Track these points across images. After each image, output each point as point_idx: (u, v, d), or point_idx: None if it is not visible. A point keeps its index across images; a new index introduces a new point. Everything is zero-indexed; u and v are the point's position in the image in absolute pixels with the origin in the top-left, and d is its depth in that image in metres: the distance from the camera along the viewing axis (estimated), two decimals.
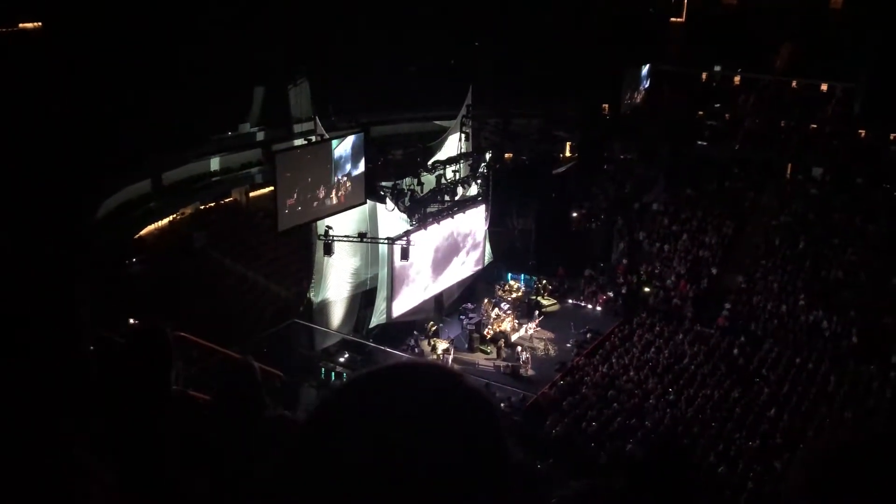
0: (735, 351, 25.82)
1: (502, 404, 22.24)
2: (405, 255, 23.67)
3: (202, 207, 30.21)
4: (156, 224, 28.16)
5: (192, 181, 30.44)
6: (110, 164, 25.43)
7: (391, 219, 24.09)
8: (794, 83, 38.66)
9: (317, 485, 1.11)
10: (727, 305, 28.20)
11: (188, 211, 29.50)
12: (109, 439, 2.50)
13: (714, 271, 30.31)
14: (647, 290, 29.93)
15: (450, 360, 24.63)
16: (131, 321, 18.03)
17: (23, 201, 19.43)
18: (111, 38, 26.83)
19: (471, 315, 27.39)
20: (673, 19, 41.46)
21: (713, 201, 33.61)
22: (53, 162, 21.69)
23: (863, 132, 35.35)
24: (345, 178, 22.67)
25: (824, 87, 38.09)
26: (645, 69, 38.72)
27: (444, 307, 28.63)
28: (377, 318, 25.44)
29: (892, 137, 34.86)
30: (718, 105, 38.88)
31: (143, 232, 27.53)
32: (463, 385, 1.21)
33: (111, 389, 2.72)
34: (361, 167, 23.06)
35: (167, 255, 26.22)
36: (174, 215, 28.90)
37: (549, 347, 26.51)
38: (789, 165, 35.35)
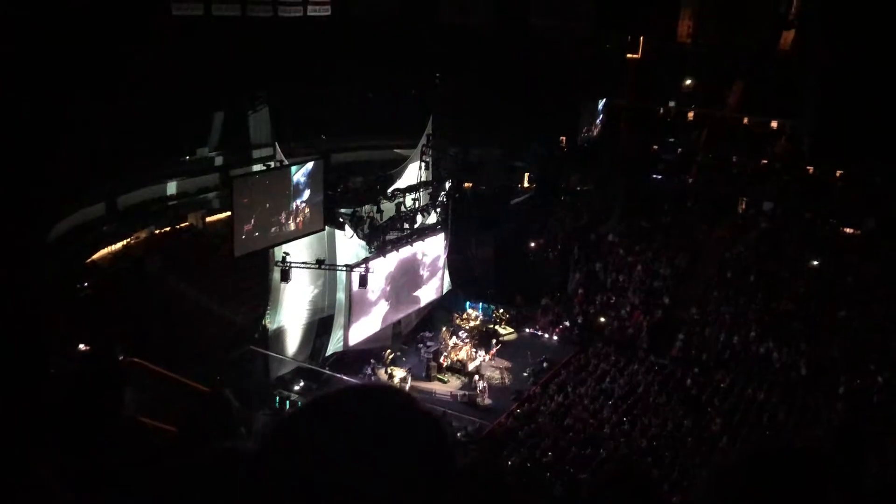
0: (688, 381, 26.11)
1: (458, 434, 22.12)
2: (363, 282, 23.57)
3: (157, 232, 29.73)
4: (109, 248, 27.62)
5: (148, 205, 29.98)
6: (64, 185, 24.94)
7: (350, 246, 24.02)
8: (745, 120, 39.74)
9: None
10: (680, 336, 28.56)
11: (143, 235, 29.01)
12: (64, 463, 2.44)
13: (667, 302, 30.70)
14: (602, 320, 30.18)
15: (407, 389, 24.46)
16: (81, 346, 17.58)
17: None
18: (69, 54, 26.46)
19: (429, 343, 27.32)
20: (629, 55, 42.40)
21: (667, 233, 34.16)
22: (4, 181, 21.19)
23: (811, 168, 36.41)
24: (303, 205, 22.56)
25: (774, 124, 39.23)
26: (601, 103, 39.45)
27: (402, 335, 28.50)
28: (334, 346, 25.22)
29: (838, 174, 35.96)
30: (673, 140, 39.72)
31: (95, 256, 26.97)
32: (411, 406, 1.22)
33: (62, 414, 2.66)
34: (320, 194, 22.98)
35: (120, 280, 25.70)
36: (128, 239, 28.39)
37: (506, 376, 26.52)
38: (741, 199, 36.20)
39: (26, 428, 2.50)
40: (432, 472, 1.15)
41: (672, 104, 41.24)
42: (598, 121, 39.35)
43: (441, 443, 1.20)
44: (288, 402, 23.56)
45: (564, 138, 39.71)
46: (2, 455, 2.28)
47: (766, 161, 37.58)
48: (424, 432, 1.19)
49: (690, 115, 40.92)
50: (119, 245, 28.01)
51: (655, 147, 39.38)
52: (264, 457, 1.17)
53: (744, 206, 36.10)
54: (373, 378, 24.82)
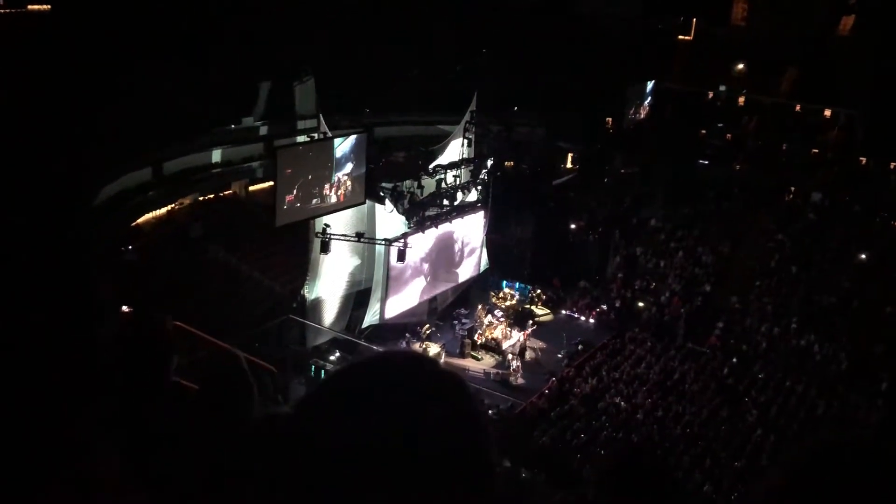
0: (725, 371, 25.84)
1: (490, 411, 22.21)
2: (401, 256, 23.67)
3: (201, 199, 30.18)
4: (153, 213, 28.13)
5: (193, 172, 30.40)
6: (112, 150, 25.40)
7: (389, 220, 24.10)
8: (797, 107, 38.80)
9: (303, 475, 1.14)
10: (720, 325, 28.23)
11: (187, 201, 29.47)
12: (111, 428, 2.50)
13: (708, 290, 30.33)
14: (640, 305, 29.95)
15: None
16: (124, 308, 17.99)
17: (26, 183, 19.40)
18: (120, 22, 26.82)
19: (464, 321, 27.39)
20: (681, 37, 41.58)
21: (711, 220, 33.66)
22: (55, 146, 21.66)
23: (864, 160, 35.47)
24: (345, 177, 22.66)
25: (827, 112, 38.23)
26: (650, 85, 38.82)
27: (437, 311, 28.61)
28: (370, 319, 25.42)
29: (892, 166, 34.98)
30: (721, 125, 38.98)
31: (140, 220, 27.49)
32: (440, 371, 1.24)
33: (109, 377, 2.72)
34: (362, 167, 23.05)
35: (163, 245, 26.19)
36: (172, 205, 28.87)
37: (540, 357, 26.52)
38: (789, 189, 35.46)
39: (75, 390, 2.57)
40: (460, 444, 1.16)
41: (722, 89, 40.43)
42: (645, 103, 38.74)
43: (470, 412, 1.21)
44: (323, 371, 23.85)
45: (610, 120, 39.20)
46: (50, 414, 2.34)
47: (817, 150, 36.70)
48: (452, 401, 1.20)
49: (741, 100, 40.07)
50: (163, 210, 28.50)
51: (703, 132, 38.70)
52: (296, 421, 1.20)
53: (791, 196, 35.35)
54: None
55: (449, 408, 1.18)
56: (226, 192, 31.47)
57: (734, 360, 26.50)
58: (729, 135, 38.37)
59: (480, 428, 1.21)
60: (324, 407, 1.19)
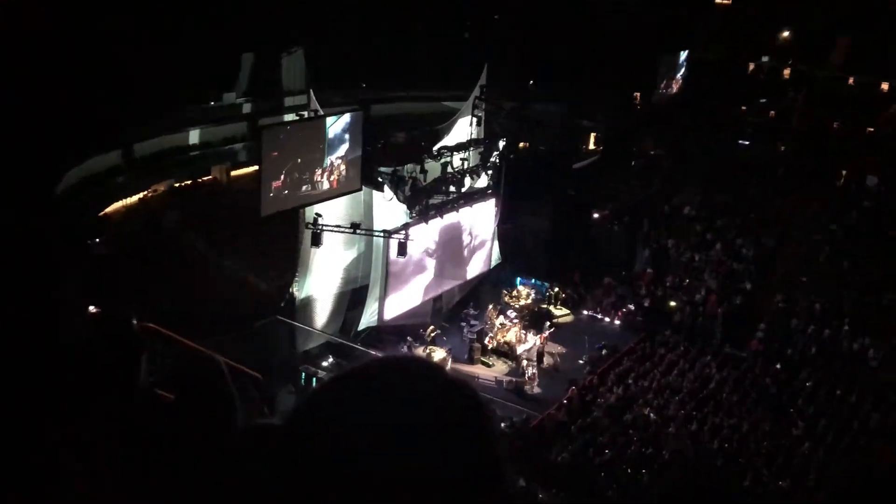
0: (768, 378, 25.81)
1: (503, 424, 22.24)
2: (402, 250, 23.68)
3: (177, 185, 30.22)
4: (124, 201, 28.19)
5: (168, 155, 30.45)
6: (76, 130, 25.44)
7: (389, 209, 24.09)
8: (850, 80, 38.62)
9: (292, 497, 1.15)
10: (762, 327, 28.18)
11: (161, 188, 29.52)
12: (75, 444, 2.51)
13: (749, 287, 30.28)
14: (672, 304, 29.92)
15: None
16: (92, 308, 18.05)
17: None
18: None
19: (473, 322, 27.42)
20: (718, 1, 41.42)
21: (752, 208, 33.57)
22: (12, 126, 21.70)
23: None
24: (339, 161, 22.66)
25: (884, 86, 38.05)
26: (683, 56, 38.68)
27: (443, 312, 28.64)
28: (367, 320, 25.45)
29: None
30: (764, 100, 38.84)
31: (109, 209, 27.55)
32: (446, 378, 1.25)
33: (73, 385, 2.73)
34: (358, 150, 23.04)
35: (134, 237, 26.24)
36: (145, 192, 28.92)
37: (559, 363, 26.53)
38: (841, 172, 35.32)
39: (37, 399, 2.58)
40: (469, 459, 1.17)
41: (765, 60, 40.26)
42: (678, 76, 38.62)
43: (481, 424, 1.22)
44: (314, 379, 23.90)
45: (638, 95, 39.09)
46: (12, 425, 2.35)
47: (872, 129, 36.53)
48: (461, 411, 1.21)
49: (786, 72, 39.90)
50: (135, 198, 28.56)
51: (743, 108, 38.56)
52: (285, 436, 1.21)
53: (843, 181, 35.22)
54: None
55: (458, 420, 1.19)
56: (204, 178, 31.50)
57: (778, 366, 26.46)
58: (773, 111, 38.22)
59: (494, 443, 1.22)
60: (317, 420, 1.20)
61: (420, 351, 25.56)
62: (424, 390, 1.21)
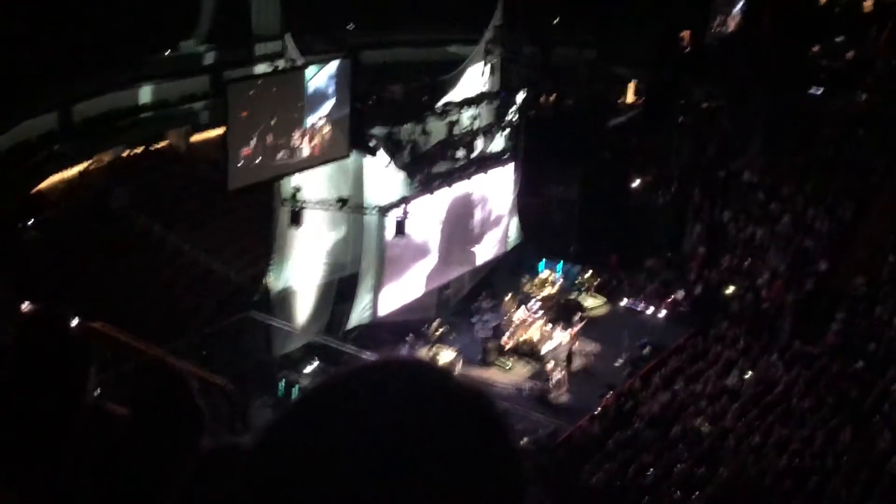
0: (847, 380, 25.84)
1: (525, 439, 22.34)
2: (401, 229, 23.72)
3: (125, 154, 30.25)
4: (61, 174, 28.22)
5: (114, 117, 30.44)
6: (2, 88, 25.48)
7: (384, 180, 24.12)
8: None
9: None
10: (839, 317, 28.17)
11: (106, 158, 29.55)
12: (7, 467, 2.58)
13: (824, 269, 30.25)
14: (729, 290, 29.92)
15: None
16: (24, 306, 18.18)
17: None
18: None
19: (486, 317, 27.46)
20: None
21: (827, 172, 33.46)
22: None
23: None
24: (322, 121, 22.67)
25: None
26: None
27: (450, 304, 28.70)
28: (359, 316, 25.52)
29: None
30: (840, 39, 38.61)
31: (43, 185, 27.61)
32: (454, 387, 1.23)
33: (5, 399, 2.80)
34: (346, 107, 23.04)
35: (75, 218, 26.32)
36: (87, 163, 28.95)
37: (592, 364, 26.59)
38: None
39: None
40: (483, 478, 1.17)
41: None
42: (735, 11, 38.41)
43: (497, 438, 1.22)
44: (296, 387, 23.99)
45: (687, 35, 38.88)
46: None
47: None
48: (469, 422, 1.21)
49: (867, 4, 39.64)
50: (75, 171, 28.59)
51: (815, 49, 38.33)
52: (259, 458, 1.21)
53: None
54: None
55: (469, 440, 1.18)
56: (159, 145, 31.52)
57: (860, 364, 26.47)
58: (851, 52, 37.99)
59: (514, 467, 1.22)
60: (293, 441, 1.19)
61: (424, 352, 25.63)
62: (427, 402, 1.20)
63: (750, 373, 25.91)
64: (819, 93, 36.43)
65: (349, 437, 1.14)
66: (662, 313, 29.70)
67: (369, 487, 1.11)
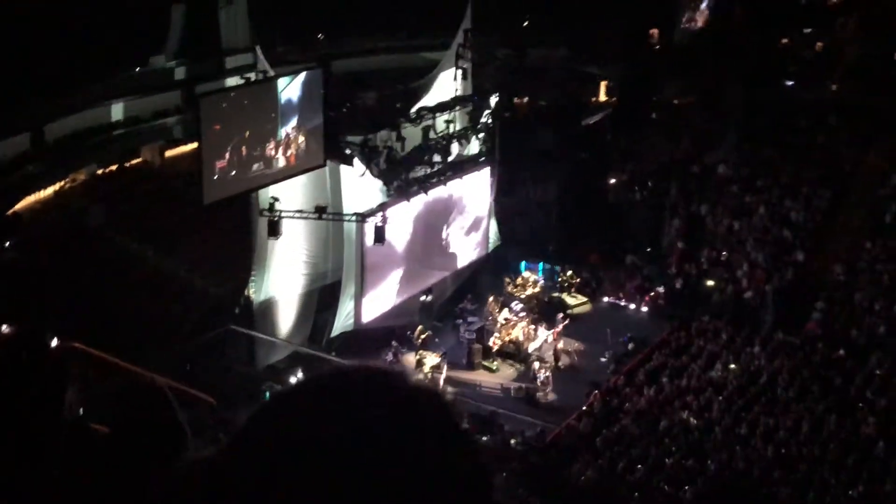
0: (830, 367, 25.95)
1: (513, 440, 22.34)
2: (380, 236, 23.67)
3: (100, 172, 30.07)
4: (36, 195, 28.04)
5: (87, 136, 30.26)
6: None
7: (361, 187, 24.08)
8: None
9: None
10: (820, 305, 28.31)
11: (81, 177, 29.38)
12: None
13: (802, 258, 30.39)
14: (710, 283, 30.01)
15: (441, 380, 24.72)
16: (3, 328, 18.03)
17: None
18: None
19: (470, 319, 27.45)
20: None
21: (801, 163, 33.62)
22: None
23: None
24: (296, 132, 22.62)
25: None
26: None
27: (433, 308, 28.66)
28: (342, 324, 25.47)
29: None
30: (810, 31, 38.85)
31: (18, 206, 27.41)
32: (416, 395, 1.25)
33: None
34: (319, 116, 23.00)
35: (52, 238, 26.14)
36: (62, 182, 28.78)
37: (577, 362, 26.61)
38: None
39: None
40: (443, 478, 1.19)
41: None
42: (703, 5, 38.61)
43: (450, 432, 1.24)
44: None
45: (656, 32, 39.05)
46: None
47: None
48: (426, 422, 1.23)
49: None
50: (50, 191, 28.40)
51: (785, 41, 38.55)
52: (219, 471, 1.23)
53: None
54: (396, 367, 25.05)
55: (429, 439, 1.20)
56: (133, 162, 31.33)
57: (841, 352, 26.59)
58: (820, 42, 38.23)
59: (473, 463, 1.23)
60: (263, 446, 1.20)
61: (409, 357, 25.62)
62: (381, 406, 1.21)
63: (733, 365, 25.99)
64: (790, 84, 36.63)
65: (305, 445, 1.17)
66: (644, 309, 29.80)
67: (334, 491, 1.13)
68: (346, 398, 1.23)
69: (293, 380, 24.68)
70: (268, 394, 23.96)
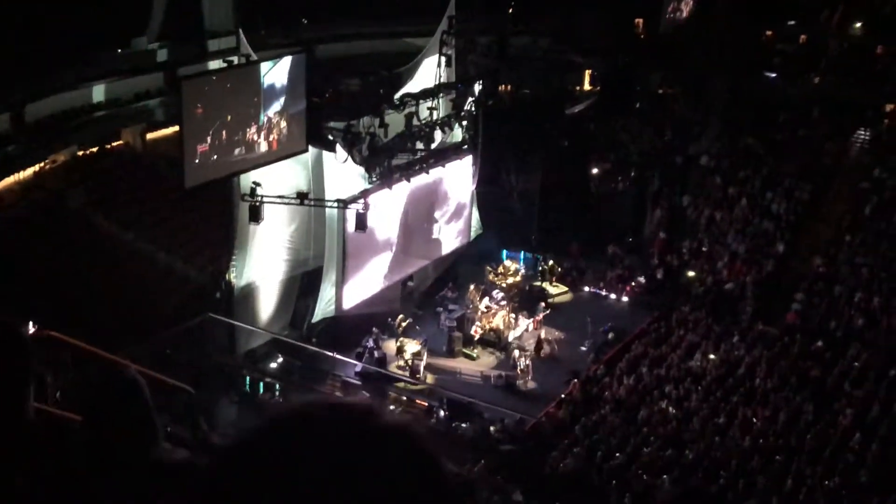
0: (808, 359, 26.08)
1: (492, 428, 22.36)
2: (361, 223, 23.61)
3: (80, 154, 29.89)
4: (15, 176, 27.84)
5: (67, 117, 30.07)
6: None
7: (343, 173, 24.00)
8: None
9: None
10: (799, 297, 28.44)
11: (61, 158, 29.19)
12: None
13: (782, 250, 30.51)
14: (691, 274, 30.10)
15: (421, 368, 24.75)
16: None
17: None
18: None
19: (451, 307, 27.45)
20: None
21: (783, 155, 33.73)
22: None
23: None
24: (279, 117, 22.51)
25: None
26: None
27: (414, 296, 28.66)
28: (323, 310, 25.42)
29: None
30: (794, 23, 38.92)
31: None
32: (380, 427, 1.25)
33: None
34: (302, 102, 22.90)
35: (30, 220, 25.97)
36: (41, 164, 28.59)
37: (557, 351, 26.66)
38: (886, 106, 35.52)
39: None
40: None
41: None
42: None
43: (425, 470, 1.25)
44: (262, 384, 23.87)
45: (641, 22, 39.05)
46: None
47: None
48: (399, 461, 1.23)
49: None
50: (29, 172, 28.21)
51: (769, 33, 38.63)
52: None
53: (890, 119, 35.47)
54: (376, 353, 25.06)
55: (401, 476, 1.21)
56: (114, 144, 31.13)
57: (820, 343, 26.74)
58: (804, 35, 38.32)
59: (448, 495, 1.24)
60: (236, 488, 1.20)
61: (390, 344, 25.62)
62: (355, 443, 1.21)
63: (713, 355, 26.10)
64: (773, 76, 36.73)
65: (285, 484, 1.17)
66: (625, 299, 29.89)
67: None
68: (318, 440, 1.22)
69: (273, 364, 24.71)
70: (248, 380, 23.99)
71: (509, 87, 35.19)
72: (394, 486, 1.18)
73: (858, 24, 37.81)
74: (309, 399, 1.29)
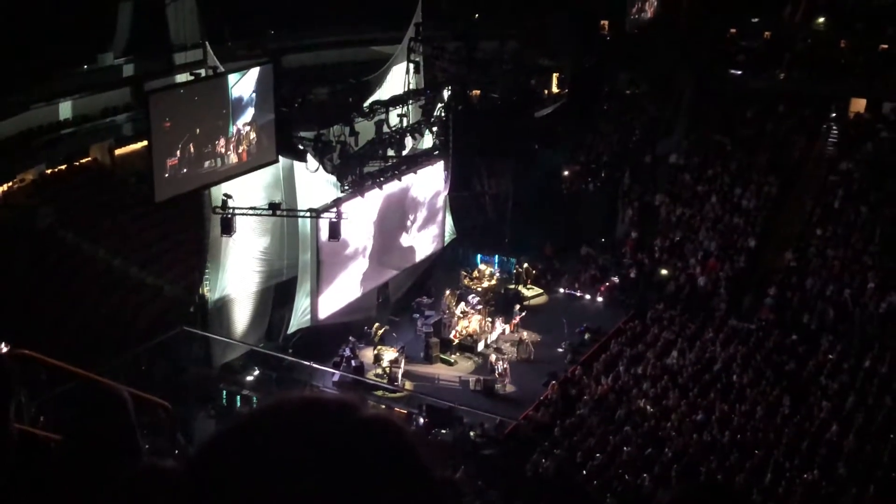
0: (783, 353, 26.25)
1: (472, 433, 22.36)
2: (335, 232, 23.56)
3: (49, 172, 29.70)
4: None
5: (34, 135, 29.84)
6: None
7: (314, 183, 23.95)
8: None
9: None
10: (772, 291, 28.61)
11: (29, 177, 28.99)
12: None
13: (753, 245, 30.69)
14: (664, 272, 30.23)
15: (399, 375, 24.72)
16: None
17: None
18: None
19: (427, 313, 27.45)
20: None
21: (751, 150, 33.95)
22: None
23: None
24: (248, 128, 22.43)
25: None
26: None
27: (390, 303, 28.63)
28: (298, 321, 25.35)
29: None
30: (757, 20, 39.18)
31: None
32: (360, 419, 1.25)
33: None
34: (271, 112, 22.83)
35: (1, 240, 25.76)
36: (9, 183, 28.38)
37: (534, 353, 26.70)
38: (853, 100, 35.82)
39: None
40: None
41: None
42: None
43: (404, 460, 1.25)
44: (238, 397, 23.76)
45: (607, 23, 39.20)
46: None
47: (886, 46, 37.08)
48: (379, 451, 1.23)
49: None
50: None
51: (733, 31, 38.88)
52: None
53: (856, 112, 35.77)
54: (353, 361, 25.02)
55: (381, 469, 1.21)
56: (83, 161, 30.96)
57: (794, 337, 26.91)
58: (767, 32, 38.59)
59: (429, 487, 1.25)
60: (214, 482, 1.21)
61: (367, 352, 25.59)
62: (333, 436, 1.21)
63: (688, 352, 26.22)
64: (738, 73, 36.96)
65: (260, 477, 1.17)
66: (600, 299, 29.97)
67: None
68: (297, 434, 1.22)
69: (250, 377, 24.58)
70: (225, 393, 23.88)
71: (478, 91, 35.24)
72: (373, 479, 1.18)
73: (821, 20, 38.14)
74: (288, 394, 1.30)
